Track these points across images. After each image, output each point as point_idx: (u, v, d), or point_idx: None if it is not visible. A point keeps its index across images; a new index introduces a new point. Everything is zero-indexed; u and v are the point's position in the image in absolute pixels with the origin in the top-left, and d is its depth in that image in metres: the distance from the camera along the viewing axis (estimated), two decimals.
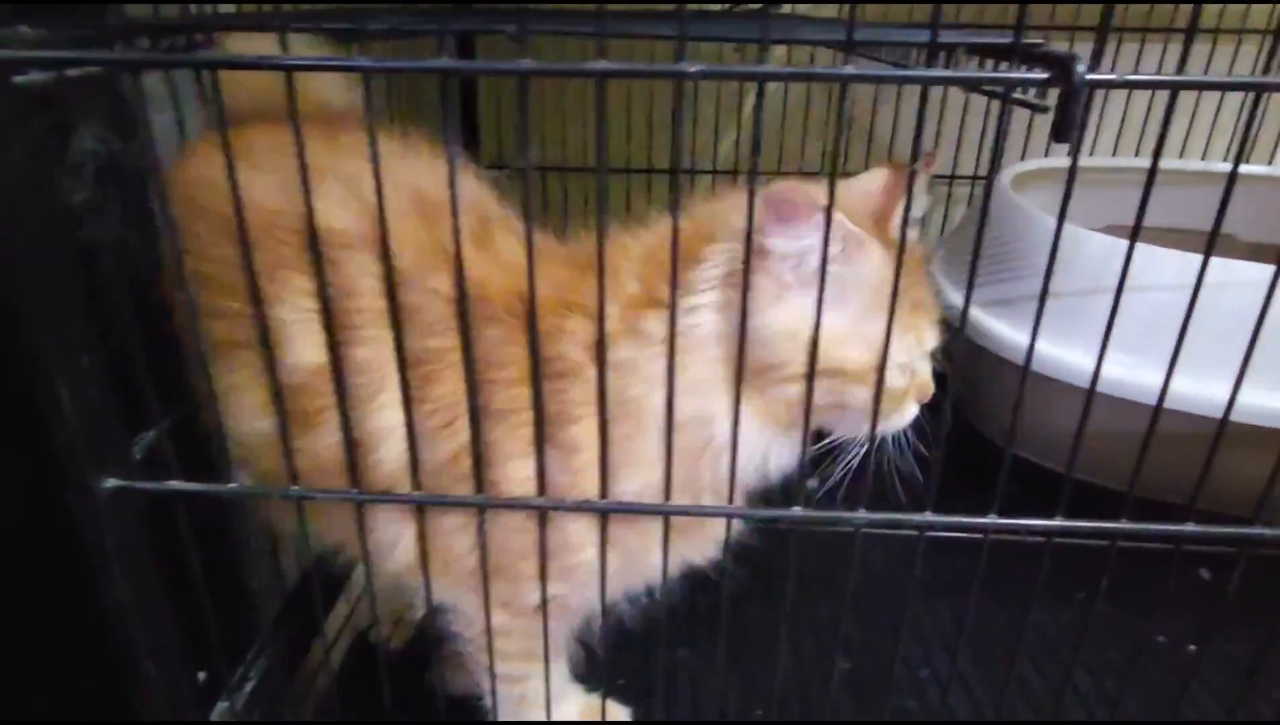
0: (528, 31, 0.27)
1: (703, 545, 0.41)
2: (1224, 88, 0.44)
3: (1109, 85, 0.27)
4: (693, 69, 0.26)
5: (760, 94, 0.27)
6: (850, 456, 0.40)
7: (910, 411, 0.41)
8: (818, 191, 0.31)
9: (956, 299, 0.37)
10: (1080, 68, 0.26)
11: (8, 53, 0.26)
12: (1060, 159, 0.83)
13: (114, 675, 0.36)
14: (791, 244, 0.34)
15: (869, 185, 0.40)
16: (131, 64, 0.28)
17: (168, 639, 0.36)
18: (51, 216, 0.29)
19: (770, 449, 0.39)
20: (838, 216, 0.32)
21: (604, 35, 0.26)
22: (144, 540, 0.34)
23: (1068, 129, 0.26)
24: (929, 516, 0.34)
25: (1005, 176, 0.76)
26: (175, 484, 0.34)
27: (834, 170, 0.29)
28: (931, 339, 0.40)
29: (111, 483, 0.33)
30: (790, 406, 0.37)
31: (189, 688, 0.38)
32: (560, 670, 0.44)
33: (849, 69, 0.27)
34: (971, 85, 0.33)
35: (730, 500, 0.36)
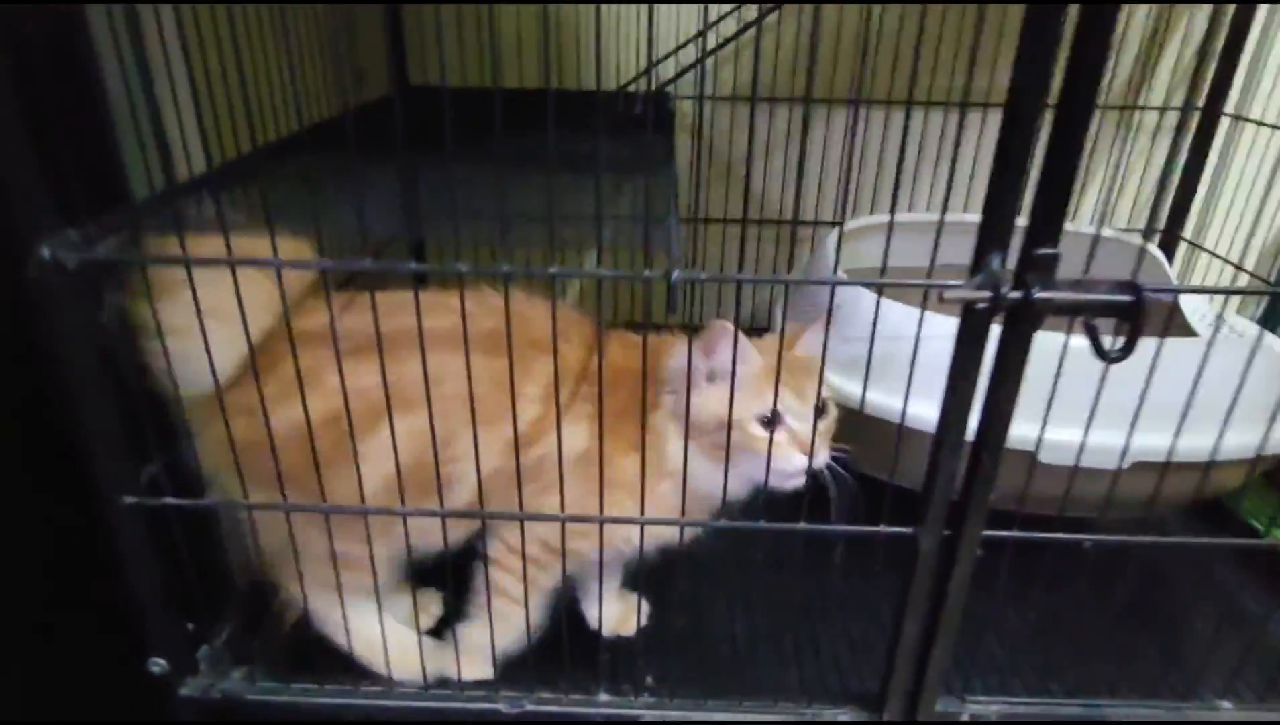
0: None
1: (672, 535, 0.60)
2: None
3: None
4: None
5: None
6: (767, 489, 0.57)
7: (795, 457, 0.55)
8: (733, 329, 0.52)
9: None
10: None
11: (64, 253, 0.44)
12: (885, 216, 1.01)
13: (129, 627, 0.54)
14: (704, 361, 0.55)
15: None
16: (144, 262, 0.45)
17: (167, 602, 0.55)
18: (91, 344, 0.47)
19: (710, 475, 0.56)
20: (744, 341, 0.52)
21: None
22: (150, 537, 0.52)
23: None
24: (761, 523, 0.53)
25: (834, 236, 0.93)
26: (169, 500, 0.52)
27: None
28: (798, 406, 0.55)
29: (128, 500, 0.51)
30: (715, 448, 0.55)
31: (182, 635, 0.57)
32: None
33: None
34: None
35: (682, 513, 0.55)
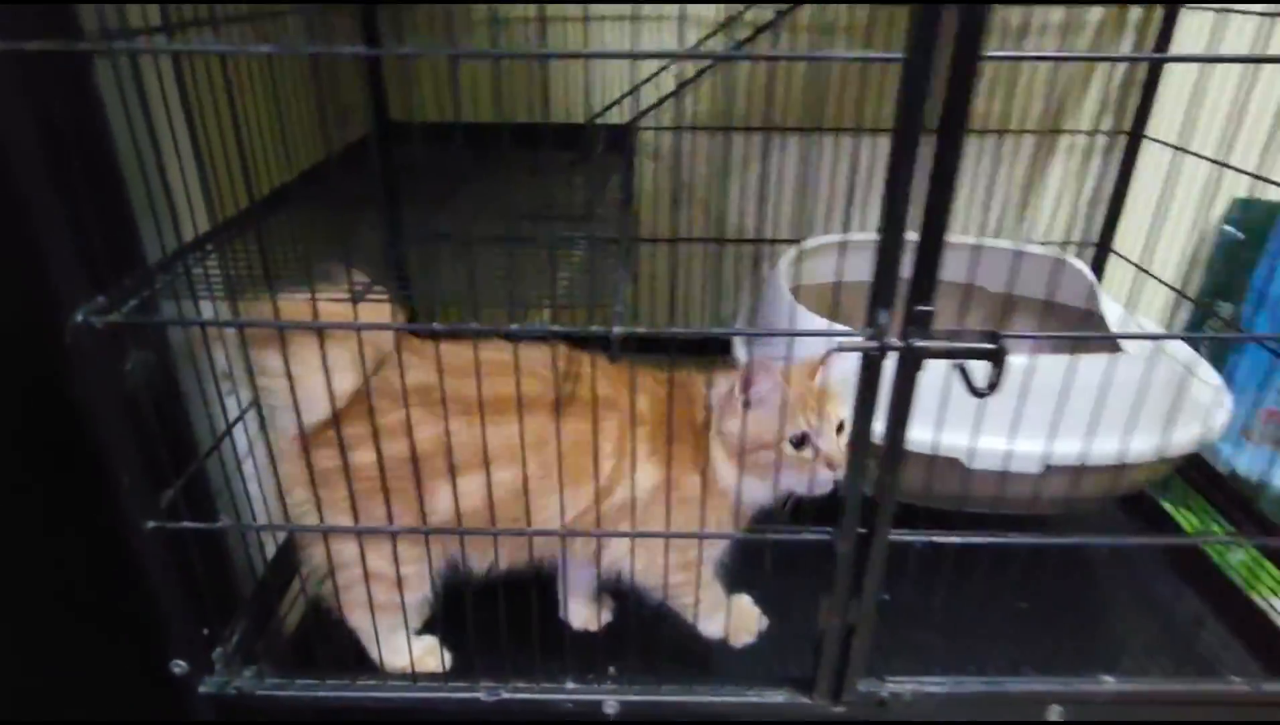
0: None
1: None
2: None
3: None
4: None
5: None
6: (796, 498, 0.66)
7: (824, 475, 0.62)
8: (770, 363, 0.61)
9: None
10: None
11: (96, 318, 0.51)
12: (840, 236, 1.09)
13: (153, 635, 0.62)
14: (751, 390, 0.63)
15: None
16: (163, 323, 0.53)
17: (184, 609, 0.62)
18: (117, 389, 0.55)
19: (752, 487, 0.66)
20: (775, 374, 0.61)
21: None
22: (169, 555, 0.60)
23: None
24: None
25: (787, 257, 1.01)
26: (186, 524, 0.60)
27: None
28: (822, 427, 0.63)
29: (150, 524, 0.59)
30: (754, 466, 0.64)
31: (198, 639, 0.65)
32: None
33: None
34: None
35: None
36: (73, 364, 0.52)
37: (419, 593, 0.69)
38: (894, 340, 0.49)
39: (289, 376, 0.56)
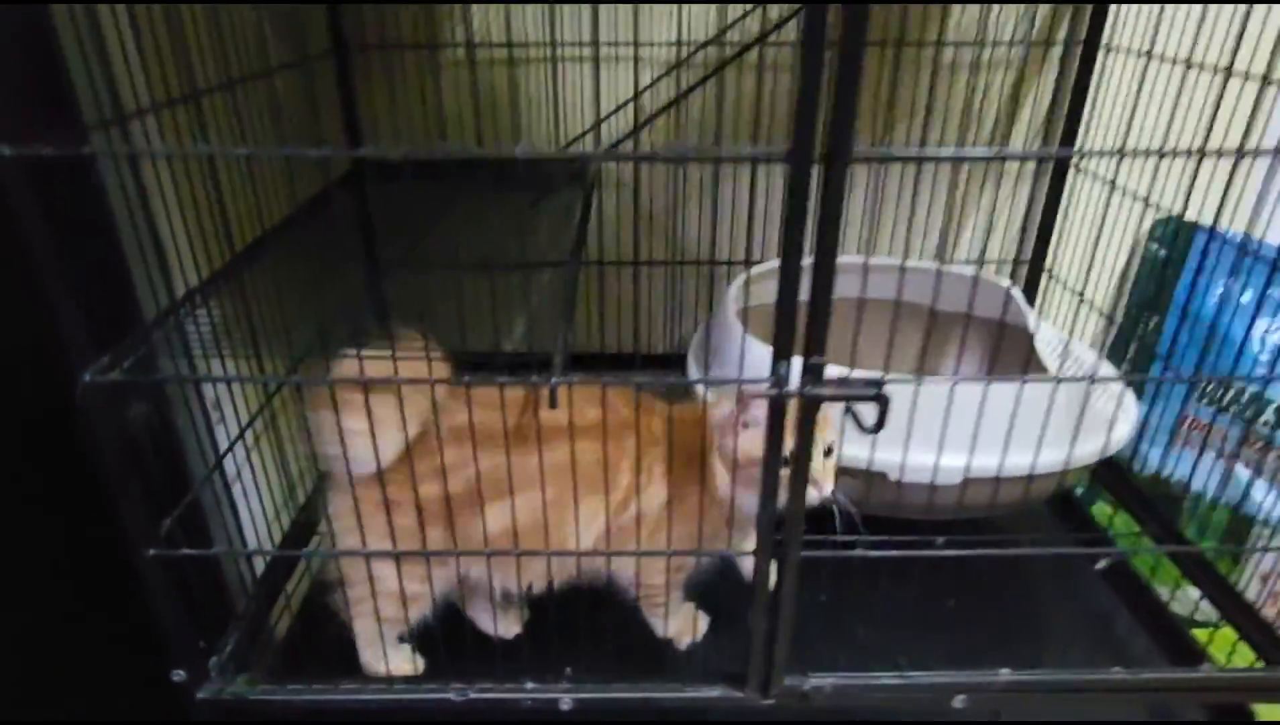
0: None
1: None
2: None
3: None
4: None
5: None
6: None
7: (810, 491, 0.66)
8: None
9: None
10: None
11: (101, 377, 0.59)
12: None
13: (156, 647, 0.70)
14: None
15: None
16: (160, 382, 0.60)
17: (182, 625, 0.70)
18: (121, 435, 0.62)
19: (748, 501, 0.72)
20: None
21: None
22: (169, 577, 0.68)
23: None
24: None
25: (739, 281, 1.09)
26: (185, 551, 0.67)
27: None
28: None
29: (151, 551, 0.66)
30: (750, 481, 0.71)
31: (196, 650, 0.73)
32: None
33: None
34: None
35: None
36: (81, 416, 0.60)
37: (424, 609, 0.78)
38: (791, 388, 0.57)
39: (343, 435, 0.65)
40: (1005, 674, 0.74)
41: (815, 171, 0.51)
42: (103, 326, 0.60)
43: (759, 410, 0.69)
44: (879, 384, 0.57)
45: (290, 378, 0.62)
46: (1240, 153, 0.61)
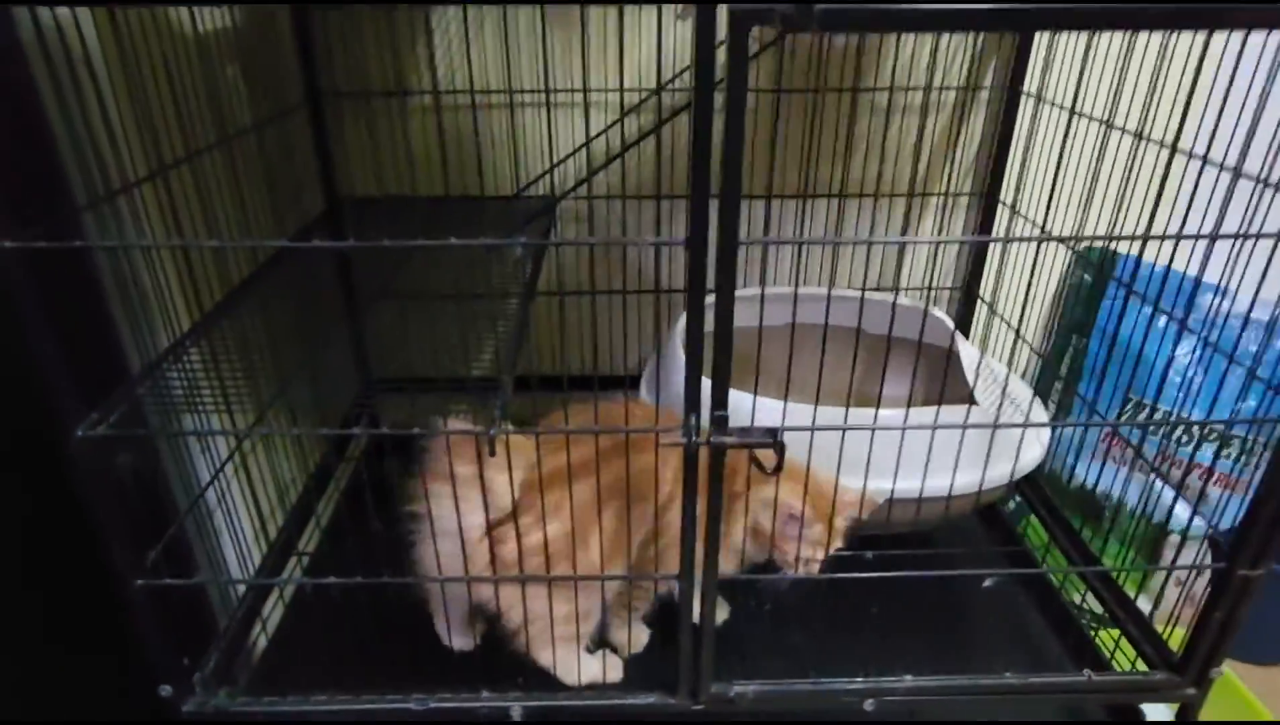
0: None
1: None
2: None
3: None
4: None
5: None
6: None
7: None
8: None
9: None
10: None
11: (89, 432, 0.67)
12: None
13: (144, 665, 0.78)
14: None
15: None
16: (144, 436, 0.68)
17: (170, 646, 0.78)
18: (110, 479, 0.70)
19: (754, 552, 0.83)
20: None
21: None
22: (155, 603, 0.76)
23: None
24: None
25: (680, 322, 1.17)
26: (168, 580, 0.75)
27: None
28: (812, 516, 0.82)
29: (138, 582, 0.74)
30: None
31: (181, 668, 0.80)
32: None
33: None
34: None
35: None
36: (72, 466, 0.68)
37: None
38: (700, 438, 0.65)
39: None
40: (908, 679, 0.83)
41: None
42: (92, 382, 0.68)
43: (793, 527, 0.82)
44: (775, 433, 0.65)
45: (256, 430, 0.70)
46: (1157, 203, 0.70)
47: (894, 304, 1.18)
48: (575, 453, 0.73)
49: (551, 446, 0.77)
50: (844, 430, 0.79)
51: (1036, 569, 1.08)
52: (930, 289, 1.36)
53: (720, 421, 0.65)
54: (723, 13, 0.52)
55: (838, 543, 0.85)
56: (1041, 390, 1.42)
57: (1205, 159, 0.77)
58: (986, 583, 0.96)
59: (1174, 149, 0.77)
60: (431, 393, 1.38)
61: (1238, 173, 0.71)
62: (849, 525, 0.86)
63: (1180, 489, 1.26)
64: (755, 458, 0.68)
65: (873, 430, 0.85)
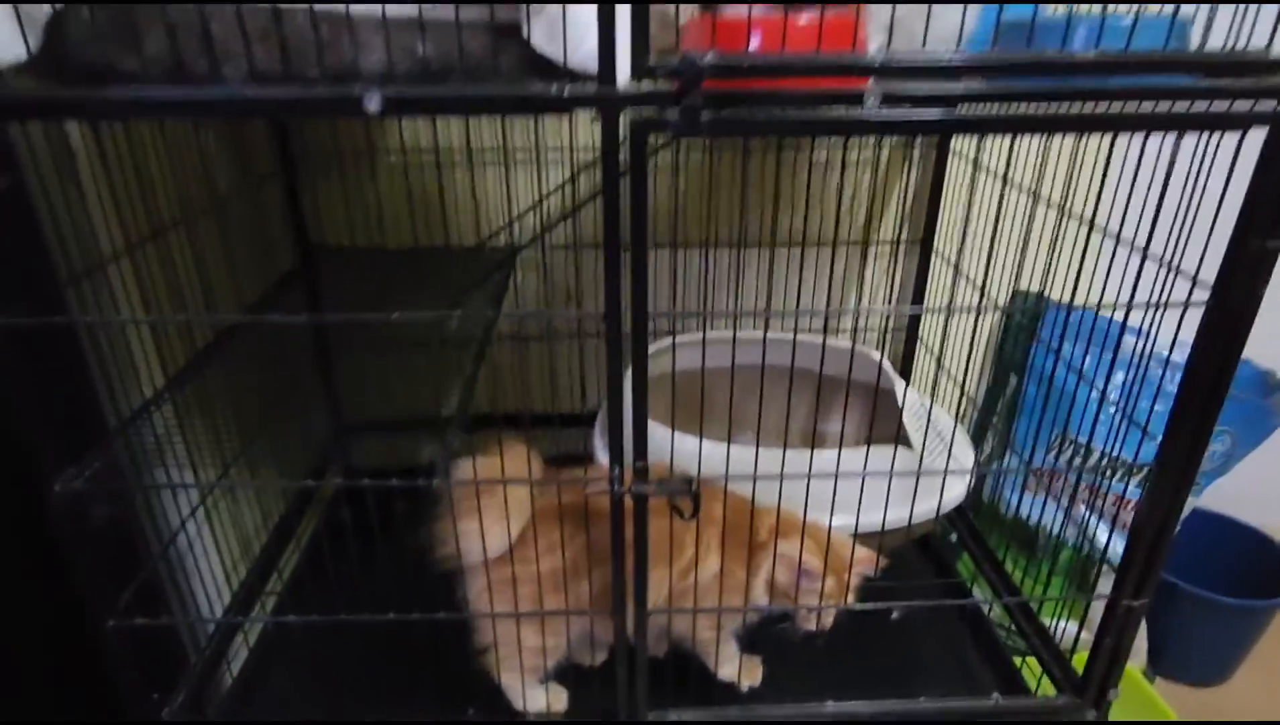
0: None
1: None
2: None
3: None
4: None
5: None
6: None
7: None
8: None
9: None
10: None
11: (66, 486, 0.73)
12: (686, 336, 1.33)
13: (113, 696, 0.83)
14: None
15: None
16: (119, 488, 0.75)
17: (139, 678, 0.84)
18: (86, 527, 0.76)
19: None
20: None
21: None
22: (128, 642, 0.81)
23: None
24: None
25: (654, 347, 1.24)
26: (139, 620, 0.81)
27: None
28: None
29: (110, 623, 0.80)
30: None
31: (150, 701, 0.86)
32: None
33: None
34: None
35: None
36: (51, 515, 0.74)
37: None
38: (622, 487, 0.72)
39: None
40: (830, 705, 0.89)
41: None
42: (68, 437, 0.74)
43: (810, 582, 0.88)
44: (690, 483, 0.73)
45: (221, 483, 0.76)
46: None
47: (823, 344, 1.26)
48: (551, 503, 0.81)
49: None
50: (780, 479, 0.86)
51: (935, 601, 1.15)
52: (878, 331, 1.45)
53: (641, 471, 0.72)
54: (625, 119, 0.59)
55: (851, 598, 0.91)
56: (980, 426, 1.51)
57: (1118, 238, 0.81)
58: (894, 615, 1.02)
59: (1091, 225, 0.84)
60: (400, 433, 1.47)
61: (1145, 255, 0.76)
62: (860, 582, 0.92)
63: (1084, 516, 1.33)
64: (674, 505, 0.75)
65: (808, 479, 0.91)
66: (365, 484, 0.76)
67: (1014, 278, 1.07)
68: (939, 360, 1.38)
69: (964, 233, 1.20)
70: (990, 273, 1.00)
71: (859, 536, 1.05)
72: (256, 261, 1.18)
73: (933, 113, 0.58)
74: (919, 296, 1.40)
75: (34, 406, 0.71)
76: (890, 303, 1.43)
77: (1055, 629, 1.02)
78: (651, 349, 1.30)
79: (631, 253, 0.64)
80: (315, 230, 1.31)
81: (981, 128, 0.63)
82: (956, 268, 1.23)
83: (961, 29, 0.71)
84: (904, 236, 1.39)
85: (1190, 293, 0.71)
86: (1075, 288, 0.81)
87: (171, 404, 0.88)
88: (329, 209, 1.31)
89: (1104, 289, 0.77)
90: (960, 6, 0.70)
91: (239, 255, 1.12)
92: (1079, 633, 1.00)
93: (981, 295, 1.01)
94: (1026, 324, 1.42)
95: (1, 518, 0.83)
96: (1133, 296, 0.73)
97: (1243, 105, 0.60)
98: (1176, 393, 0.74)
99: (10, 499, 0.83)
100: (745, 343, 1.27)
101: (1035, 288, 0.85)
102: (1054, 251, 0.88)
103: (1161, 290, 0.73)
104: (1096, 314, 0.79)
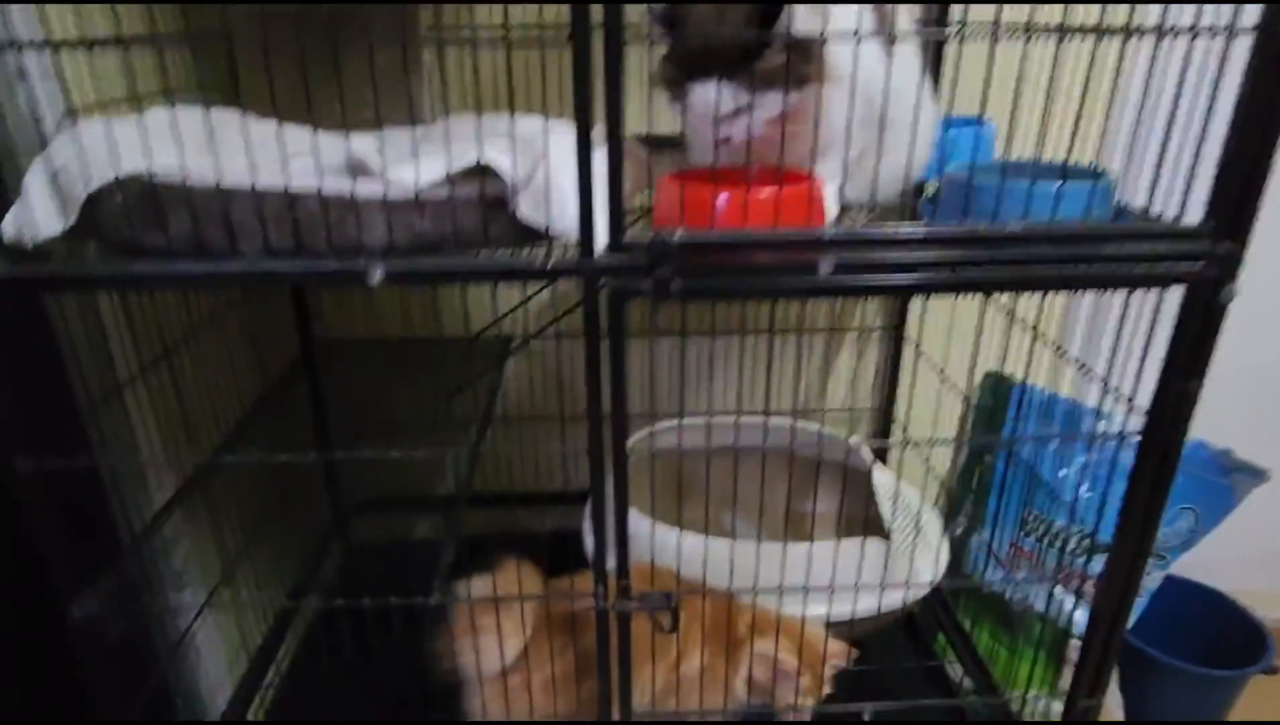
0: None
1: None
2: None
3: None
4: None
5: None
6: None
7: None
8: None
9: None
10: None
11: (81, 608, 0.78)
12: (689, 420, 1.39)
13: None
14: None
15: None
16: (135, 611, 0.80)
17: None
18: (97, 629, 0.81)
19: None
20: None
21: None
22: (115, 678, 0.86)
23: None
24: None
25: (633, 440, 1.30)
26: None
27: None
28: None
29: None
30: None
31: None
32: None
33: None
34: None
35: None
36: (71, 637, 0.78)
37: None
38: (603, 601, 0.78)
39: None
40: None
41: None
42: (84, 556, 0.79)
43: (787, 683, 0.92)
44: (669, 598, 0.78)
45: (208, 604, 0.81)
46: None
47: (792, 426, 1.31)
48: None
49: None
50: (754, 591, 0.92)
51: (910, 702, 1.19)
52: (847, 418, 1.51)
53: (625, 589, 0.78)
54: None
55: (826, 689, 0.96)
56: (954, 505, 1.56)
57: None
58: (866, 716, 1.07)
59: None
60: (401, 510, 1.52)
61: (1105, 386, 0.84)
62: (833, 674, 0.97)
63: (1050, 591, 1.39)
64: (655, 618, 0.80)
65: (780, 588, 0.96)
66: (365, 604, 0.81)
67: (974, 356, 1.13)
68: (906, 442, 1.45)
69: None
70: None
71: (832, 625, 1.10)
72: (261, 352, 1.24)
73: (882, 278, 0.65)
74: (891, 382, 1.47)
75: (51, 530, 0.76)
76: (870, 386, 1.50)
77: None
78: (630, 441, 1.36)
79: (612, 402, 0.70)
80: (316, 321, 1.38)
81: (929, 289, 0.69)
82: (917, 346, 1.30)
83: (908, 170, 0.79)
84: (879, 323, 1.46)
85: (1126, 420, 0.78)
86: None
87: (182, 511, 0.93)
88: (331, 303, 1.38)
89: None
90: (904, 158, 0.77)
91: (243, 354, 1.18)
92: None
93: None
94: (996, 406, 1.48)
95: (15, 637, 0.88)
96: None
97: (1163, 267, 0.67)
98: (1119, 509, 0.80)
99: (24, 618, 0.88)
100: (721, 427, 1.33)
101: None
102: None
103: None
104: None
